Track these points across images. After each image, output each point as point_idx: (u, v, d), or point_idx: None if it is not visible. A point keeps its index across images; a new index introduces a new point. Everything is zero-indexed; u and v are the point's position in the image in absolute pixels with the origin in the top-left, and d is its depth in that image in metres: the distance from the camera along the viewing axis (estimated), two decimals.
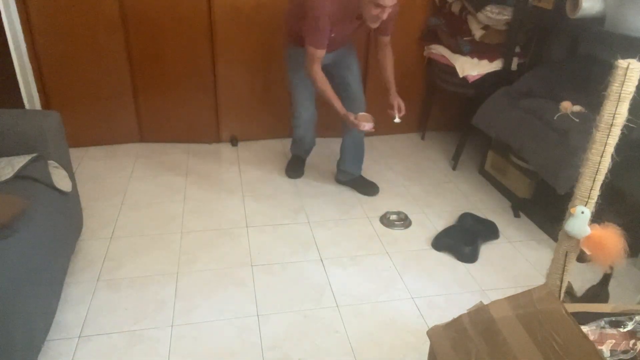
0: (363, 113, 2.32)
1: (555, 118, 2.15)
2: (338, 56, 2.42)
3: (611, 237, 1.20)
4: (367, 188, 2.63)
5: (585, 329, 1.08)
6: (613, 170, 1.16)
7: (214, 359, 1.60)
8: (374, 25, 2.16)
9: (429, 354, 1.25)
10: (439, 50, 2.93)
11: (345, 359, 1.62)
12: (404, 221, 2.38)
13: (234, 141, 3.21)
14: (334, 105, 2.27)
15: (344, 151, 2.60)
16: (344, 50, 2.45)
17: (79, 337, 1.67)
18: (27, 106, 2.71)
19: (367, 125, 2.24)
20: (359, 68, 2.53)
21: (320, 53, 2.19)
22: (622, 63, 1.06)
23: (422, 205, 2.56)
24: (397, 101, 2.39)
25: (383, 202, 2.56)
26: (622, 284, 2.01)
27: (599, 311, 1.14)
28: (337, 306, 1.85)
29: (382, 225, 2.36)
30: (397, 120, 2.36)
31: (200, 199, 2.54)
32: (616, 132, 1.11)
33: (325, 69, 2.32)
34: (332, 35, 2.20)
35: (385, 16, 2.10)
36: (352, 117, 2.25)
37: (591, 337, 1.05)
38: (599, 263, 1.24)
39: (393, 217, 2.40)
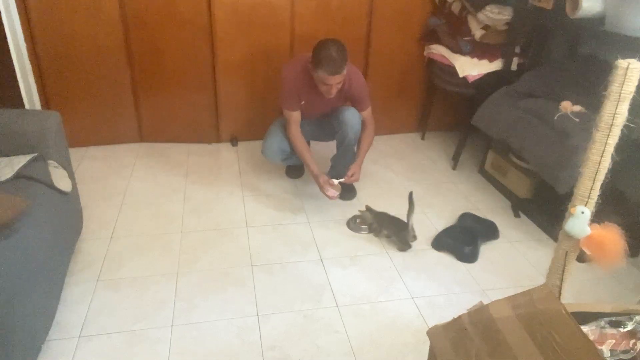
0: (337, 182, 2.36)
1: (555, 118, 2.15)
2: (324, 123, 2.53)
3: (611, 237, 1.20)
4: (346, 193, 2.58)
5: (585, 329, 1.08)
6: (613, 170, 1.16)
7: (214, 359, 1.60)
8: (329, 96, 2.27)
9: (429, 354, 1.25)
10: (439, 50, 2.93)
11: (345, 359, 1.62)
12: (370, 225, 2.33)
13: (234, 141, 3.21)
14: (308, 166, 2.39)
15: (336, 149, 2.58)
16: (331, 115, 2.47)
17: (79, 337, 1.67)
18: (27, 106, 2.71)
19: (331, 192, 2.31)
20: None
21: (295, 115, 2.37)
22: (622, 63, 1.06)
23: (422, 205, 2.56)
24: (354, 171, 2.37)
25: (383, 202, 2.56)
26: (622, 284, 2.01)
27: (599, 311, 1.14)
28: (337, 306, 1.85)
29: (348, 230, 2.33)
30: (336, 182, 2.36)
31: (200, 199, 2.54)
32: (616, 132, 1.11)
33: (316, 130, 2.57)
34: (303, 102, 2.37)
35: (334, 90, 2.22)
36: (322, 179, 2.32)
37: (591, 337, 1.05)
38: (599, 263, 1.24)
39: (359, 221, 2.37)
